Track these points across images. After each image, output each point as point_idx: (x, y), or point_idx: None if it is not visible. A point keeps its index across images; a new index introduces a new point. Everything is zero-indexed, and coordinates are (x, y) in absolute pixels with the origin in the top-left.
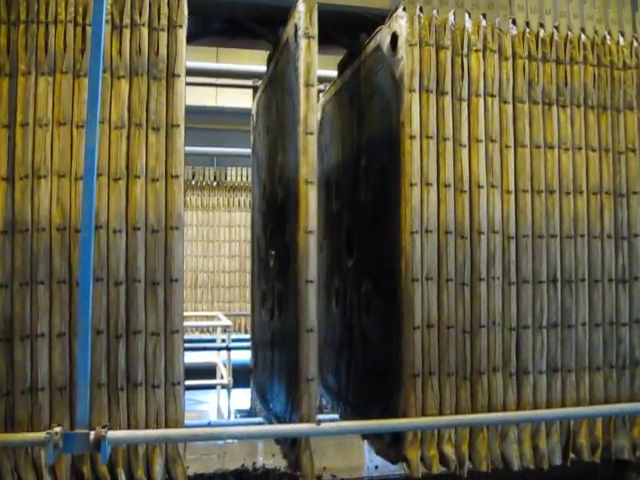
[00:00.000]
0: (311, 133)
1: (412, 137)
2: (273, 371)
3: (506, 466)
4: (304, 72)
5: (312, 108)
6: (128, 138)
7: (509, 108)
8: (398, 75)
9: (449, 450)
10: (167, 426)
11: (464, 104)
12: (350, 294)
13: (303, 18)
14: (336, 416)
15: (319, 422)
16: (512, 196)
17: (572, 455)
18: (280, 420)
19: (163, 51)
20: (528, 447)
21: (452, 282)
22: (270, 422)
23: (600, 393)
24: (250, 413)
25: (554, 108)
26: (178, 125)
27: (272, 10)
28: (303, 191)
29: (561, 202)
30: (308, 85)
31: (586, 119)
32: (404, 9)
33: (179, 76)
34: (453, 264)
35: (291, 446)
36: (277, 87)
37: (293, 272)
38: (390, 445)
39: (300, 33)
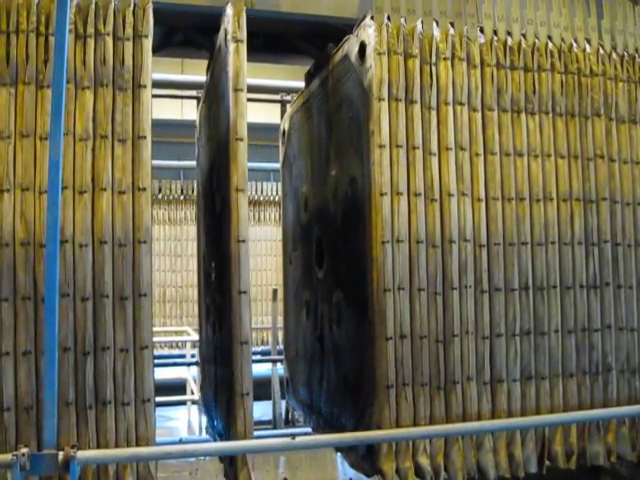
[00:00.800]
0: (241, 139)
1: (381, 146)
2: (216, 387)
3: (482, 476)
4: (233, 77)
5: (242, 113)
6: (93, 150)
7: (478, 116)
8: (367, 84)
9: (424, 461)
10: (137, 444)
11: (433, 112)
12: (321, 305)
13: (231, 22)
14: (309, 429)
15: (294, 436)
16: (483, 204)
17: (547, 462)
18: (221, 438)
19: (129, 61)
20: (504, 456)
21: (424, 292)
22: (215, 440)
23: (574, 400)
24: None
25: (523, 115)
26: (145, 137)
27: (209, 18)
28: (234, 199)
29: (531, 209)
30: (237, 90)
31: (555, 126)
32: (372, 18)
33: (145, 87)
34: (425, 273)
35: (229, 464)
36: (213, 95)
37: (227, 283)
38: (364, 458)
39: (229, 37)
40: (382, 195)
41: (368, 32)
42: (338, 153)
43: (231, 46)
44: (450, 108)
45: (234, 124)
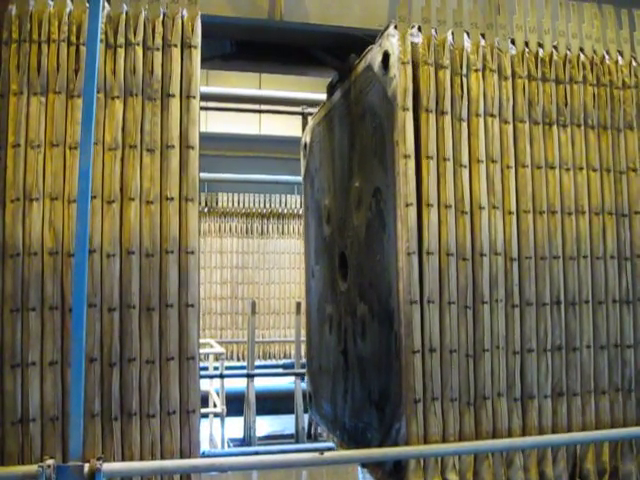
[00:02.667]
0: (191, 147)
1: (407, 156)
2: None
3: None
4: (185, 84)
5: (193, 121)
6: (122, 159)
7: (509, 128)
8: (390, 94)
9: (453, 478)
10: (162, 457)
11: (464, 124)
12: (344, 318)
13: (184, 27)
14: (331, 444)
15: (322, 452)
16: (514, 217)
17: None
18: None
19: (158, 71)
20: (534, 474)
21: (454, 305)
22: None
23: (606, 417)
24: (244, 442)
25: (554, 128)
26: (173, 146)
27: None
28: (184, 209)
29: (563, 223)
30: (189, 97)
31: (587, 139)
32: (395, 27)
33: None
34: (455, 286)
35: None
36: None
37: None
38: (391, 474)
39: (183, 43)
40: (407, 206)
41: (391, 41)
42: (362, 164)
43: (185, 52)
44: (481, 120)
45: (185, 131)
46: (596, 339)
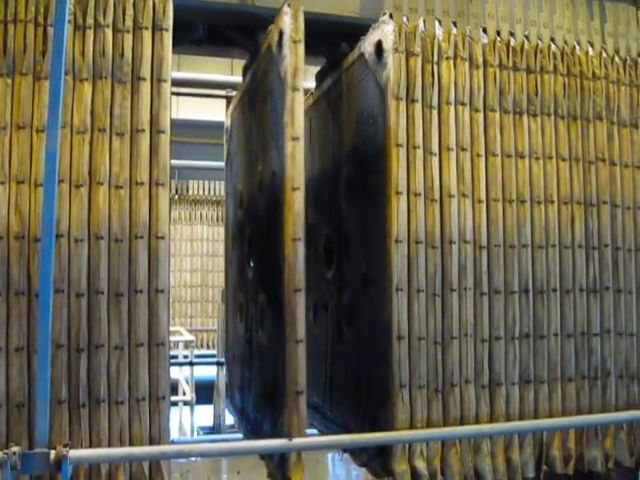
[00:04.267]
0: (162, 132)
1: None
2: None
3: None
4: (156, 67)
5: (164, 105)
6: (91, 143)
7: (480, 117)
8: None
9: (421, 465)
10: (131, 444)
11: (434, 112)
12: (250, 307)
13: (156, 9)
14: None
15: (290, 438)
16: (483, 205)
17: (545, 467)
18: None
19: (128, 54)
20: (501, 460)
21: (423, 293)
22: None
23: (572, 404)
24: (213, 430)
25: (525, 117)
26: (143, 130)
27: None
28: (154, 194)
29: (532, 212)
30: (160, 80)
31: (556, 128)
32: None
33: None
34: (424, 274)
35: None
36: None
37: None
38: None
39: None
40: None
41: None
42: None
43: (156, 35)
44: (452, 108)
45: (156, 116)
46: (563, 327)
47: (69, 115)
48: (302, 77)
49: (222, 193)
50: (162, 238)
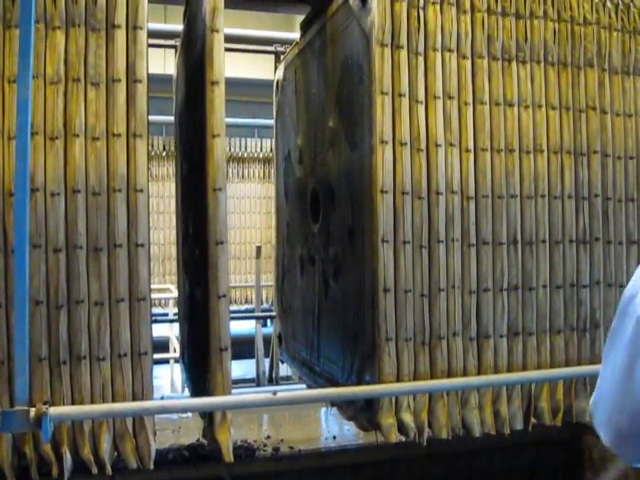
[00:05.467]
0: (139, 81)
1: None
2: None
3: (467, 433)
4: (132, 14)
5: (140, 54)
6: (65, 94)
7: (468, 63)
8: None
9: (408, 418)
10: (114, 401)
11: (420, 59)
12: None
13: None
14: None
15: (275, 393)
16: (471, 155)
17: (533, 420)
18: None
19: (102, 0)
20: (489, 413)
21: (409, 245)
22: None
23: (561, 356)
24: None
25: (514, 64)
26: (119, 80)
27: None
28: (132, 146)
29: (521, 161)
30: (136, 28)
31: (546, 76)
32: None
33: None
34: (410, 226)
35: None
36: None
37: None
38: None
39: None
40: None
41: None
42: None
43: None
44: (438, 55)
45: (132, 65)
46: (552, 279)
47: (42, 65)
48: (221, 18)
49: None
50: (141, 191)
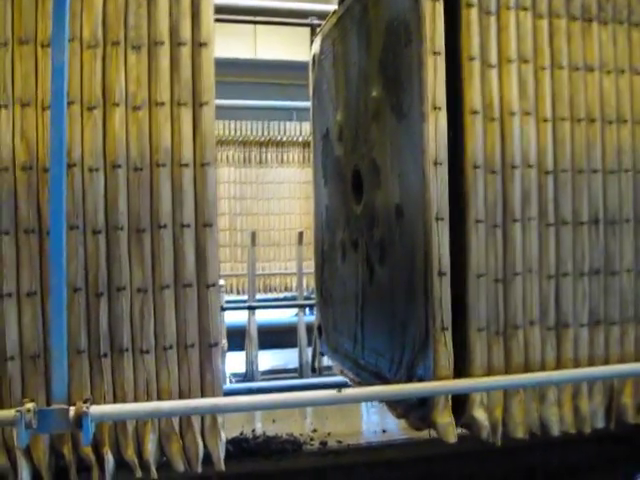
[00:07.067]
0: (184, 44)
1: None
2: None
3: (544, 431)
4: None
5: (184, 13)
6: (104, 59)
7: (544, 24)
8: None
9: (481, 415)
10: (159, 397)
11: (492, 18)
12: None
13: None
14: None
15: (340, 389)
16: (549, 125)
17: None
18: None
19: None
20: (569, 409)
21: (482, 224)
22: None
23: None
24: (246, 376)
25: (594, 25)
26: (162, 42)
27: None
28: (176, 116)
29: (603, 132)
30: None
31: (630, 38)
32: None
33: None
34: (483, 203)
35: None
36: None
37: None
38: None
39: None
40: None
41: None
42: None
43: None
44: (512, 13)
45: (176, 25)
46: (637, 262)
47: (78, 27)
48: None
49: (248, 132)
50: (186, 166)
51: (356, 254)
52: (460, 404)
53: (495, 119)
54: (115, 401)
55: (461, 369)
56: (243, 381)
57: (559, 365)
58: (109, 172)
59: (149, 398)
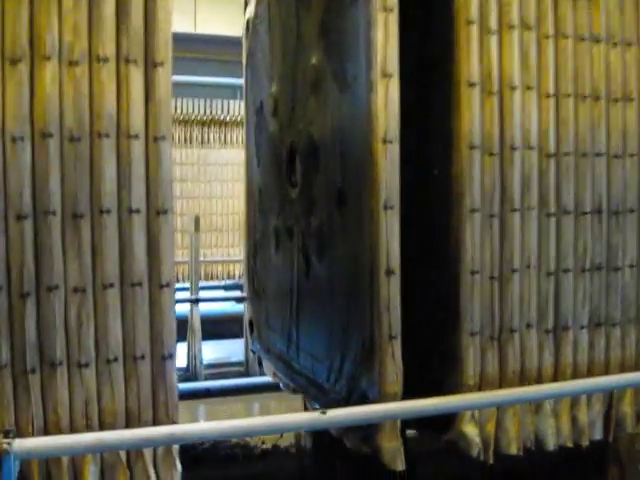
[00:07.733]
0: None
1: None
2: None
3: (539, 445)
4: None
5: None
6: (31, 1)
7: None
8: None
9: (472, 431)
10: (102, 423)
11: None
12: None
13: None
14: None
15: (324, 411)
16: (552, 101)
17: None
18: None
19: None
20: (566, 421)
21: (478, 213)
22: None
23: None
24: (188, 371)
25: None
26: None
27: None
28: (123, 75)
29: (608, 112)
30: None
31: (638, 7)
32: None
33: None
34: (479, 190)
35: None
36: None
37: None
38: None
39: None
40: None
41: None
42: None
43: None
44: None
45: None
46: None
47: None
48: None
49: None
50: (136, 137)
51: (291, 243)
52: (444, 418)
53: (494, 93)
54: (46, 427)
55: (450, 377)
56: (186, 378)
57: (557, 371)
58: (37, 142)
59: (89, 422)
